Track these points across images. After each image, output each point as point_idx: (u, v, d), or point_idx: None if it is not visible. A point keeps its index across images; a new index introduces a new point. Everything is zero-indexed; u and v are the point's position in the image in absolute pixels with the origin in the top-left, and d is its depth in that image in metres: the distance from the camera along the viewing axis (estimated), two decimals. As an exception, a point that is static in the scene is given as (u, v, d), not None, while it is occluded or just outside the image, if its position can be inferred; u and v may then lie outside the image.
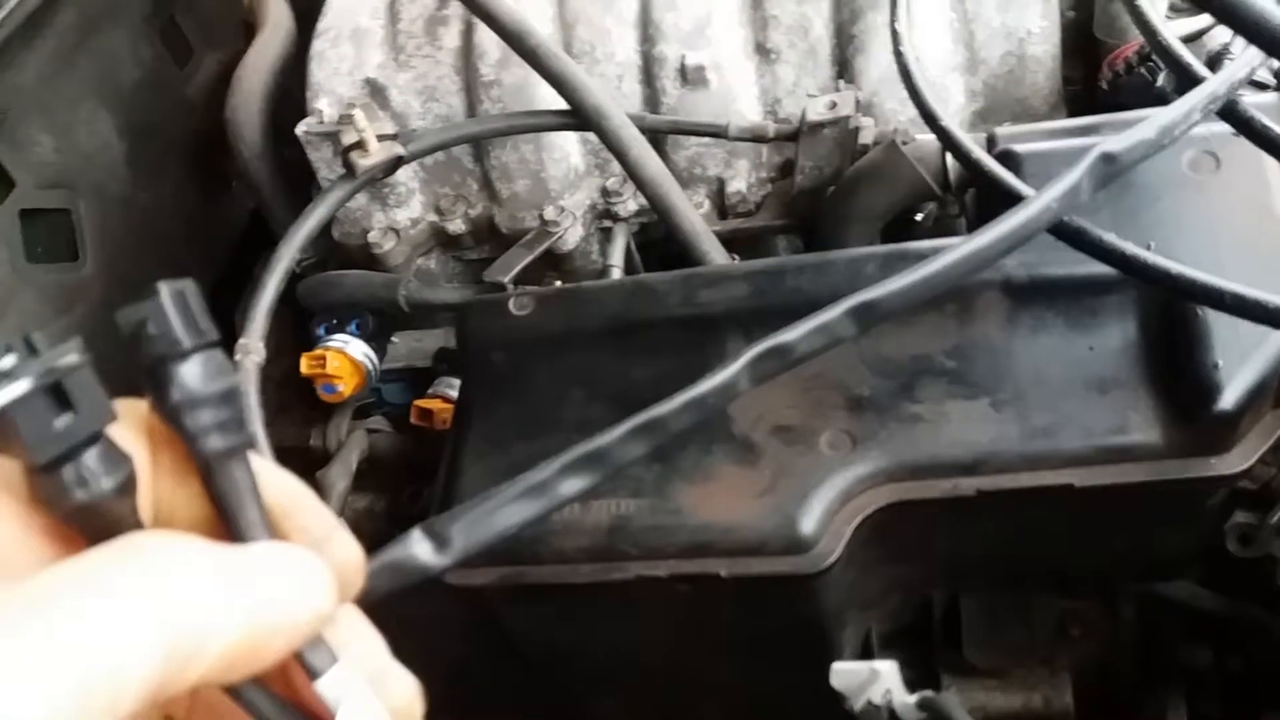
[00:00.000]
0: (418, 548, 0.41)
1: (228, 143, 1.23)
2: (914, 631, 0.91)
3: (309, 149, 1.18)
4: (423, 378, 1.18)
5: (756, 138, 1.10)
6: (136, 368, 0.32)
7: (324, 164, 1.18)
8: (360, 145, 1.03)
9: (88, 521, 0.30)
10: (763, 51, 1.15)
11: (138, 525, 0.31)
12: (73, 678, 0.25)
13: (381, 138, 1.04)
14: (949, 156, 0.97)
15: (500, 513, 0.43)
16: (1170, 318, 0.74)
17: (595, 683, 0.93)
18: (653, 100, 1.15)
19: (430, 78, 1.18)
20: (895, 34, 0.90)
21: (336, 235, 1.21)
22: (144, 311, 0.31)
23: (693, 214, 1.04)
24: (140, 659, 0.27)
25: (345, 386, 1.12)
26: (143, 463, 0.32)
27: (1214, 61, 0.98)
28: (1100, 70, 1.10)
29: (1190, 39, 0.99)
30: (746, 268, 0.89)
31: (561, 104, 1.05)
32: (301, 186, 1.23)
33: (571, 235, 1.16)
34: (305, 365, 1.11)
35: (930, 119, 0.83)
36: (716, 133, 1.10)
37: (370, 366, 1.14)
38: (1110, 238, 0.67)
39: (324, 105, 1.17)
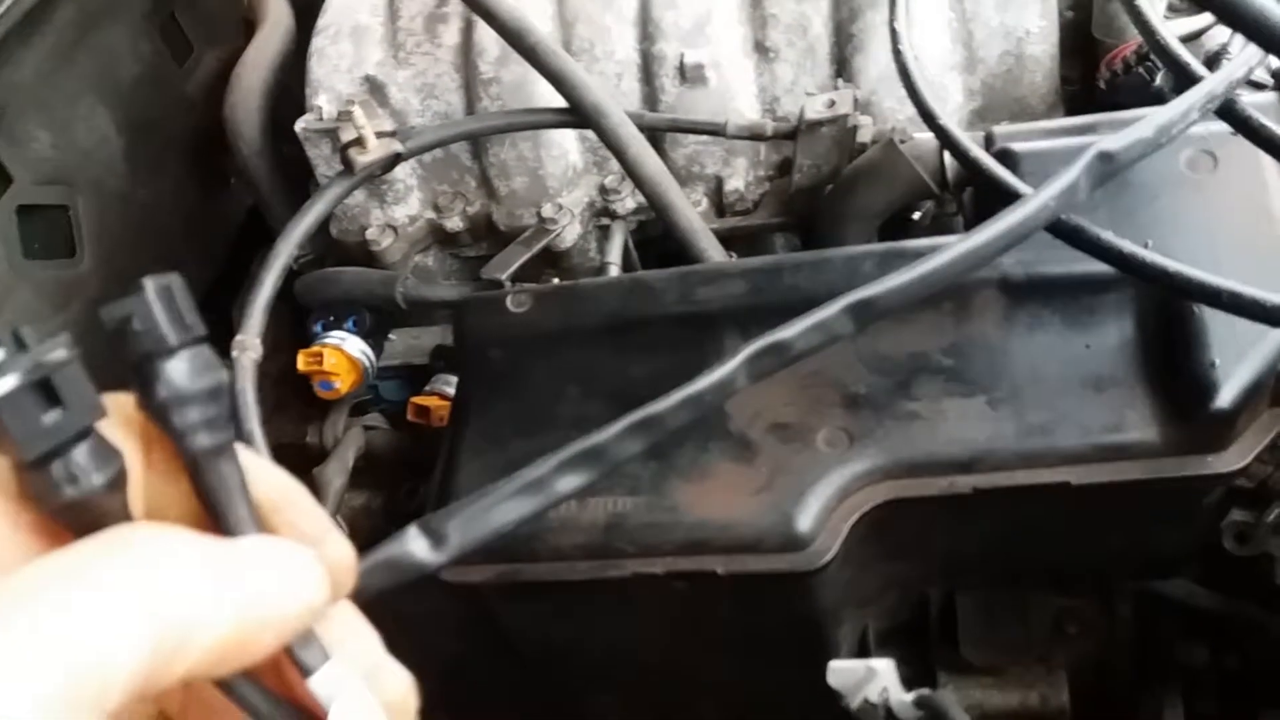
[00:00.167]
0: (414, 544, 0.41)
1: (226, 139, 1.23)
2: (911, 629, 0.91)
3: (308, 146, 1.18)
4: (420, 375, 1.18)
5: (755, 136, 1.10)
6: (123, 364, 0.32)
7: (322, 161, 1.18)
8: (359, 142, 1.03)
9: (77, 518, 0.30)
10: (761, 50, 1.15)
11: (128, 521, 0.31)
12: (59, 670, 0.25)
13: (380, 135, 1.04)
14: (947, 155, 0.97)
15: (497, 510, 0.42)
16: (1167, 316, 0.74)
17: (592, 680, 0.93)
18: (651, 98, 1.15)
19: (429, 75, 1.18)
20: (894, 33, 0.90)
21: (334, 232, 1.21)
22: (129, 307, 0.31)
23: (690, 212, 1.04)
24: (127, 651, 0.26)
25: (342, 383, 1.12)
26: (134, 459, 0.32)
27: (1212, 61, 0.98)
28: (1098, 70, 1.10)
29: (1188, 39, 0.99)
30: (744, 265, 0.89)
31: (560, 102, 1.05)
32: (300, 183, 1.23)
33: (569, 233, 1.16)
34: (302, 362, 1.11)
35: (928, 118, 0.83)
36: (715, 131, 1.10)
37: (367, 363, 1.14)
38: (1108, 236, 0.67)
39: (323, 102, 1.17)
